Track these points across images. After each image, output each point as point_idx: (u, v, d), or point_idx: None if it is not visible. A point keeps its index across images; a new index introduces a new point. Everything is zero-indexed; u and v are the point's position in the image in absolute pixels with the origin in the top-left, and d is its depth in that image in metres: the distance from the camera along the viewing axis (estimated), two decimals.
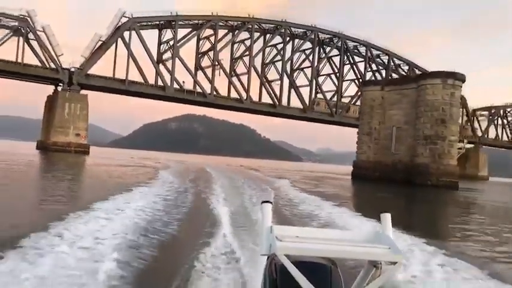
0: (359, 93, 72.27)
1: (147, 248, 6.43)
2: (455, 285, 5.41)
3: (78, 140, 62.83)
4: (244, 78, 79.47)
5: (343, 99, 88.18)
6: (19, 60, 61.75)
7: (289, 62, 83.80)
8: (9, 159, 34.02)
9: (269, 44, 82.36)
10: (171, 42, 72.60)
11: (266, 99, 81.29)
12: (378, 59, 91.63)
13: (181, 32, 74.32)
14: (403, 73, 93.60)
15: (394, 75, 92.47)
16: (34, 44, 63.22)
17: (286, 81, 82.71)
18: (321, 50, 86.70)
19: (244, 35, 79.07)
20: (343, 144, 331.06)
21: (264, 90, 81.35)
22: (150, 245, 6.71)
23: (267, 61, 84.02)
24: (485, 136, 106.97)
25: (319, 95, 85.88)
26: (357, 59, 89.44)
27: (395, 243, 1.72)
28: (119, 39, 66.75)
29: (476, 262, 6.98)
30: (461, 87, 39.78)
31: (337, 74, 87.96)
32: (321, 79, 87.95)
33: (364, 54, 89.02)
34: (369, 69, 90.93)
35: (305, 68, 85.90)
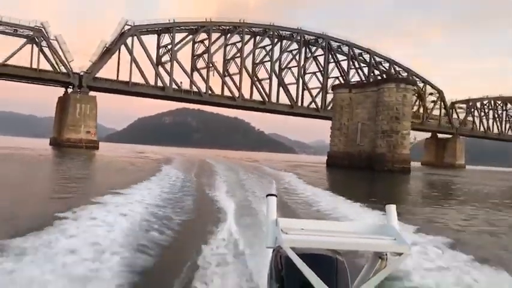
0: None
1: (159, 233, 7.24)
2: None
3: (89, 136, 72.03)
4: (236, 78, 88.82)
5: (328, 96, 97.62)
6: (33, 65, 70.86)
7: (278, 62, 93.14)
8: (36, 153, 43.36)
9: (259, 46, 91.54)
10: (169, 46, 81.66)
11: (257, 96, 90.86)
12: (360, 57, 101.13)
13: (178, 36, 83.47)
14: (384, 69, 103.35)
15: (377, 72, 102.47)
16: (46, 50, 72.14)
17: (275, 79, 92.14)
18: (307, 50, 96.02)
19: (235, 38, 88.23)
20: None
21: (254, 88, 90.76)
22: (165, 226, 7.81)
23: (257, 61, 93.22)
24: (463, 127, 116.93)
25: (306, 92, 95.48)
26: (340, 57, 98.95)
27: (401, 234, 1.75)
28: (122, 45, 75.80)
29: (401, 207, 16.63)
30: (412, 89, 49.50)
31: (322, 72, 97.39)
32: (307, 77, 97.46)
33: (347, 53, 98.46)
34: (352, 67, 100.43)
35: (292, 67, 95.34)
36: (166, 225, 7.90)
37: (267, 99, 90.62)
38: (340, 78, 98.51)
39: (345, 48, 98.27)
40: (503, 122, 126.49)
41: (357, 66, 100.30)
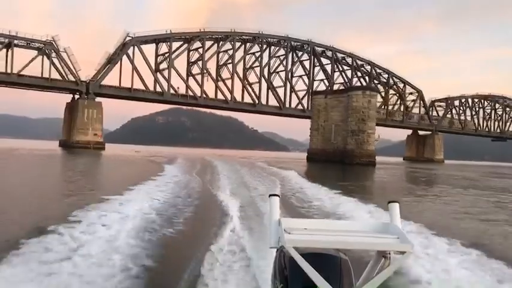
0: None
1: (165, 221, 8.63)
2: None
3: (96, 138, 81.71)
4: (228, 82, 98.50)
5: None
6: (43, 75, 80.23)
7: (267, 66, 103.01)
8: (54, 153, 53.03)
9: (249, 52, 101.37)
10: (167, 55, 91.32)
11: (247, 99, 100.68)
12: (344, 61, 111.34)
13: (174, 45, 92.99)
14: (366, 71, 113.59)
15: (359, 73, 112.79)
16: (55, 61, 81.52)
17: (264, 83, 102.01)
18: (294, 55, 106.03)
19: (227, 45, 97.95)
20: None
21: (245, 91, 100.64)
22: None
23: (248, 67, 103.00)
24: (441, 124, 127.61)
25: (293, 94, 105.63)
26: (324, 61, 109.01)
27: (404, 233, 1.78)
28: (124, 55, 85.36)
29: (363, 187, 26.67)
30: (376, 95, 59.73)
31: (308, 75, 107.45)
32: (294, 80, 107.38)
33: (330, 57, 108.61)
34: (336, 70, 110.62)
35: (280, 71, 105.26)
36: (170, 222, 8.68)
37: (257, 101, 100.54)
38: (325, 81, 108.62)
39: (329, 53, 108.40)
40: (480, 119, 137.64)
41: (341, 69, 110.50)
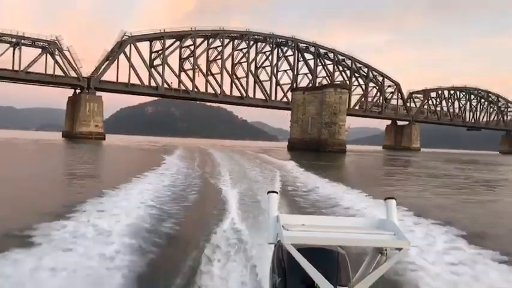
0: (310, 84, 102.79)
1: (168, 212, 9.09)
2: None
3: (97, 129, 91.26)
4: (218, 77, 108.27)
5: None
6: (47, 71, 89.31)
7: (254, 62, 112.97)
8: (62, 143, 62.74)
9: (237, 49, 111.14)
10: (160, 51, 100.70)
11: (236, 92, 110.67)
12: (326, 56, 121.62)
13: (167, 42, 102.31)
14: (347, 65, 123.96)
15: (340, 68, 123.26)
16: (57, 58, 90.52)
17: (251, 77, 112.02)
18: (279, 51, 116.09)
19: (217, 42, 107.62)
20: None
21: (234, 85, 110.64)
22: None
23: (236, 62, 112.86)
24: (418, 114, 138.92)
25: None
26: (308, 56, 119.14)
27: (401, 229, 1.84)
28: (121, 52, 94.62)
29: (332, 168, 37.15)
30: (346, 92, 70.28)
31: (293, 70, 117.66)
32: (279, 74, 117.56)
33: (313, 52, 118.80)
34: (319, 64, 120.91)
35: (266, 66, 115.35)
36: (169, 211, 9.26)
37: (244, 95, 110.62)
38: (309, 75, 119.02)
39: (312, 49, 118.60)
40: (456, 110, 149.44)
41: (323, 63, 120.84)
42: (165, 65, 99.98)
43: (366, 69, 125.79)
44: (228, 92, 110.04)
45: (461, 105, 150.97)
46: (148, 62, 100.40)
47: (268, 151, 59.52)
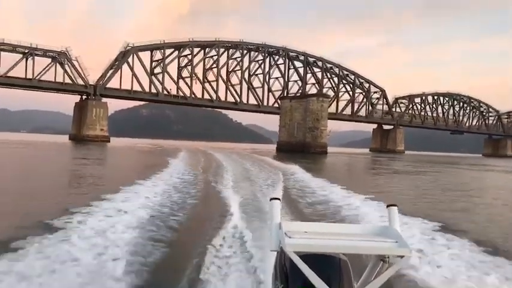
0: (299, 91, 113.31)
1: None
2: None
3: (102, 133, 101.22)
4: (214, 84, 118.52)
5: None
6: (56, 79, 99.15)
7: (247, 70, 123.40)
8: (76, 146, 72.60)
9: (231, 58, 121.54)
10: (160, 61, 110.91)
11: (230, 98, 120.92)
12: (315, 64, 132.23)
13: (167, 51, 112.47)
14: (335, 72, 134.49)
15: (328, 75, 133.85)
16: (66, 67, 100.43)
17: (245, 84, 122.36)
18: (271, 60, 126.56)
19: (212, 52, 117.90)
20: None
21: (228, 92, 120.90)
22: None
23: (230, 70, 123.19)
24: (403, 118, 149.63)
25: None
26: (298, 64, 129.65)
27: (403, 236, 1.87)
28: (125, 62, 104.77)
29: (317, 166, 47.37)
30: (328, 101, 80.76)
31: (284, 77, 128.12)
32: (271, 81, 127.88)
33: (303, 60, 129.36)
34: (309, 72, 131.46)
35: (259, 74, 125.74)
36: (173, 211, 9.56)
37: (238, 100, 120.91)
38: (299, 82, 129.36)
39: (301, 57, 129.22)
40: (440, 114, 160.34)
41: (312, 71, 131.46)
42: (165, 72, 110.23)
43: (352, 76, 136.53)
44: (223, 98, 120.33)
45: (444, 110, 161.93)
46: (149, 70, 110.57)
47: (258, 152, 69.57)
